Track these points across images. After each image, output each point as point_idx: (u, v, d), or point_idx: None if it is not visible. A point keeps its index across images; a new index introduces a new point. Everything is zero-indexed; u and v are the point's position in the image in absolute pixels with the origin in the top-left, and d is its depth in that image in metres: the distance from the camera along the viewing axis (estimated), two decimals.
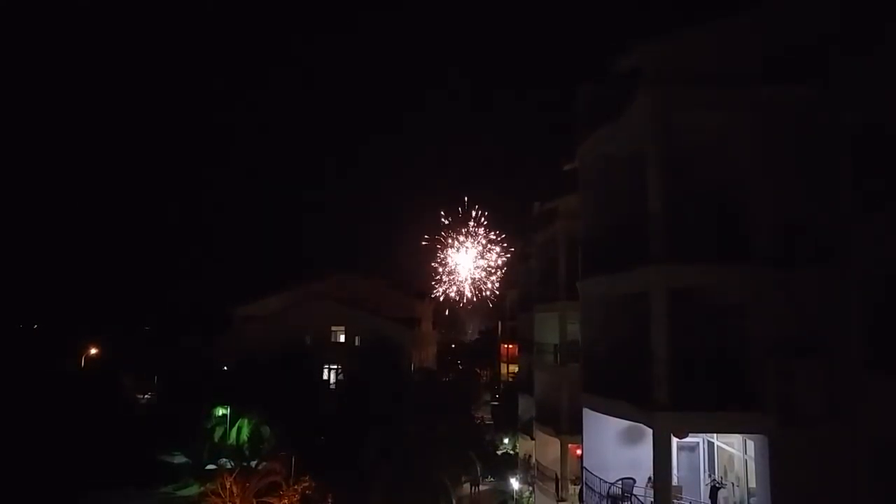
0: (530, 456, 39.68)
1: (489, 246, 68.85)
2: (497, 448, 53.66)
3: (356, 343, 53.59)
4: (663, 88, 17.01)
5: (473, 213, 68.71)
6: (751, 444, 16.84)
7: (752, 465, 16.87)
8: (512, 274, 60.20)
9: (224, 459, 36.34)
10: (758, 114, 16.08)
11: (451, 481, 34.81)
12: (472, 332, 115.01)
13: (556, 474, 32.57)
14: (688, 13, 18.57)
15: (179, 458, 38.37)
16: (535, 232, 38.64)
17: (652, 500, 16.61)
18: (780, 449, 14.99)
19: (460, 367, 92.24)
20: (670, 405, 15.88)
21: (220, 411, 39.03)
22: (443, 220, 68.52)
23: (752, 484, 16.86)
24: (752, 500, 17.03)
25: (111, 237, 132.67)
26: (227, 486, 30.69)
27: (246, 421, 37.31)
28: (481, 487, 46.23)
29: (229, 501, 30.64)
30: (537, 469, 36.20)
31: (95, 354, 61.66)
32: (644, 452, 17.53)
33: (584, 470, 20.28)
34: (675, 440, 17.19)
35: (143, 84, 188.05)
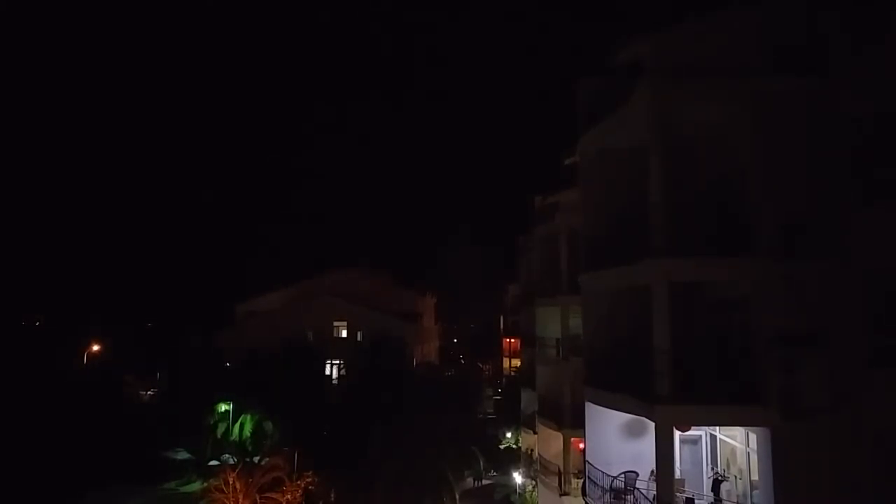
0: (533, 450, 39.71)
1: None
2: (500, 442, 53.76)
3: (358, 338, 53.64)
4: (663, 81, 16.95)
5: None
6: (753, 437, 16.81)
7: (754, 458, 16.83)
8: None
9: (227, 455, 36.34)
10: (759, 105, 15.97)
11: (453, 476, 34.86)
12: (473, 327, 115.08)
13: (558, 468, 32.59)
14: (688, 4, 18.44)
15: (182, 455, 38.31)
16: (536, 226, 38.57)
17: (654, 493, 16.60)
18: (783, 442, 14.95)
19: (462, 362, 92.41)
20: (672, 398, 15.84)
21: (223, 407, 39.02)
22: None
23: (755, 477, 16.83)
24: (754, 493, 17.01)
25: (113, 234, 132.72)
26: (231, 482, 30.73)
27: (249, 417, 37.29)
28: (484, 482, 46.34)
29: (232, 497, 30.68)
30: (540, 463, 36.24)
31: (97, 351, 61.65)
32: (647, 446, 17.50)
33: (586, 464, 20.27)
34: (677, 433, 17.16)
35: (139, 81, 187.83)
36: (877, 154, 14.26)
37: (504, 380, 73.58)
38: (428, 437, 34.26)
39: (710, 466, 19.63)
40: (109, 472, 37.77)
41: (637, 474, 18.18)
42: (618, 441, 19.74)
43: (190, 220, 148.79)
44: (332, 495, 34.52)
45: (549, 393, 35.01)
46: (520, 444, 48.27)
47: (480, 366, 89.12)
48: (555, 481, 32.84)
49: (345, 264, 63.60)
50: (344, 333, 55.76)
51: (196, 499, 32.90)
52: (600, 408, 19.72)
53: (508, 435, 54.65)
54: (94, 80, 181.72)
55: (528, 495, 39.77)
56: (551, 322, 34.37)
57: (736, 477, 18.32)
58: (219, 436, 37.56)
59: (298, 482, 31.83)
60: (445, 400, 40.53)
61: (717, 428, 19.09)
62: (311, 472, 32.28)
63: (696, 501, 17.36)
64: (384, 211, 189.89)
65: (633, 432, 19.37)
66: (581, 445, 24.91)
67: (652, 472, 17.22)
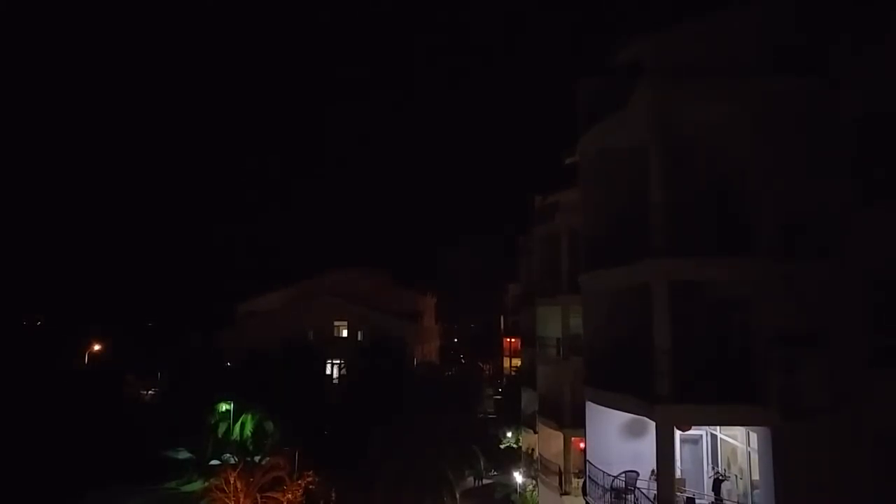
0: (533, 450, 39.76)
1: None
2: (500, 442, 53.80)
3: (358, 338, 53.71)
4: (663, 81, 16.93)
5: None
6: (754, 437, 16.82)
7: (755, 458, 16.85)
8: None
9: (228, 455, 36.48)
10: (759, 105, 15.96)
11: (454, 475, 34.91)
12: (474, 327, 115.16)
13: (559, 468, 32.64)
14: (688, 4, 18.43)
15: (183, 454, 38.50)
16: (536, 226, 38.60)
17: (655, 493, 16.61)
18: (783, 441, 14.95)
19: (463, 362, 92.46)
20: (673, 398, 15.84)
21: (224, 407, 39.17)
22: None
23: (756, 476, 16.85)
24: (755, 492, 17.02)
25: (114, 234, 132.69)
26: (231, 482, 30.80)
27: (249, 416, 37.41)
28: (484, 481, 46.38)
29: (233, 497, 30.73)
30: (540, 463, 36.27)
31: (99, 351, 61.79)
32: (647, 445, 17.52)
33: (587, 463, 20.27)
34: (678, 433, 17.17)
35: (139, 81, 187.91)
36: (877, 154, 14.26)
37: (504, 379, 73.63)
38: (428, 437, 34.30)
39: (710, 466, 19.64)
40: (109, 472, 37.84)
41: (637, 474, 18.18)
42: (618, 441, 19.75)
43: (190, 220, 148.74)
44: (333, 495, 34.59)
45: (549, 392, 35.03)
46: (520, 444, 48.30)
47: (481, 365, 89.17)
48: (555, 481, 32.89)
49: (345, 264, 63.73)
50: (344, 333, 55.86)
51: (197, 498, 32.99)
52: (601, 407, 19.73)
53: (509, 434, 54.69)
54: (94, 80, 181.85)
55: (528, 495, 39.79)
56: (552, 322, 34.39)
57: (736, 476, 18.34)
58: (219, 435, 37.69)
59: (299, 482, 31.91)
60: (445, 400, 40.62)
61: (718, 427, 19.10)
62: (311, 472, 32.35)
63: (696, 501, 17.37)
64: (384, 211, 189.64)
65: (634, 432, 19.38)
66: (581, 445, 24.93)
67: (652, 471, 17.24)
